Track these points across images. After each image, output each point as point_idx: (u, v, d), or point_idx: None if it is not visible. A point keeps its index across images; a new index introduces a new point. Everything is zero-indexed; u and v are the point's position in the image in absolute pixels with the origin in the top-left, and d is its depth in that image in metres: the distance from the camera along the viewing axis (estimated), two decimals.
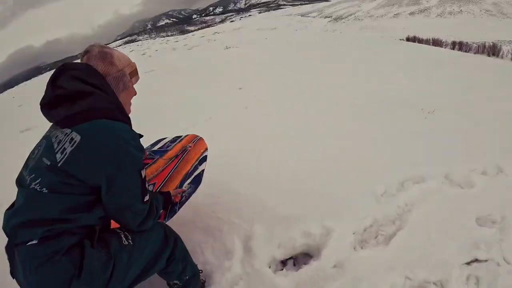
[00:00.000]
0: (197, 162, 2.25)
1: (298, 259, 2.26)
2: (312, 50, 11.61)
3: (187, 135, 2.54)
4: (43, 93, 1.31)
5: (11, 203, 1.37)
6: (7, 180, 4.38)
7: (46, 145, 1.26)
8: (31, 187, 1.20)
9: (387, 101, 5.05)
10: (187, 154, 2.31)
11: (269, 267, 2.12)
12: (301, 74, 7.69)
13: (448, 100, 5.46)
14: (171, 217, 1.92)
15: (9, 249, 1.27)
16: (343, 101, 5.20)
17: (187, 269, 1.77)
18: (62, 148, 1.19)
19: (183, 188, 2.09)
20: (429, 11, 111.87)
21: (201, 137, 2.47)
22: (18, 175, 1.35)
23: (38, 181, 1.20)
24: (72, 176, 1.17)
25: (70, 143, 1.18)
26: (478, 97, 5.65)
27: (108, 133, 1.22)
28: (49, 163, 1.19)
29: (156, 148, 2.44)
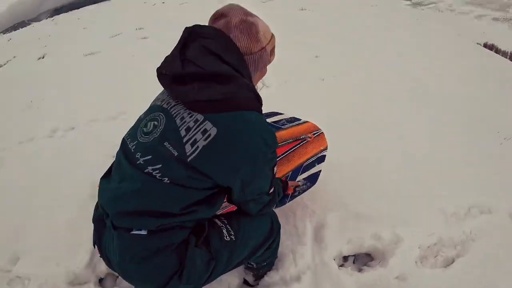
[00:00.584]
0: (315, 158, 2.19)
1: (359, 258, 2.35)
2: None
3: (307, 121, 2.36)
4: (165, 58, 1.16)
5: (107, 169, 1.39)
6: (71, 102, 4.62)
7: (166, 125, 1.09)
8: (146, 171, 1.08)
9: (465, 115, 4.80)
10: (306, 144, 2.17)
11: (334, 259, 2.21)
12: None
13: None
14: (279, 207, 1.92)
15: (100, 222, 1.25)
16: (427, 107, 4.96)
17: (272, 256, 1.77)
18: (193, 139, 1.03)
19: (298, 182, 2.11)
20: None
21: (322, 132, 2.30)
22: (125, 140, 1.25)
23: (158, 167, 1.07)
24: (202, 173, 1.06)
25: (202, 135, 1.02)
26: None
27: (249, 131, 1.07)
28: (176, 154, 1.05)
29: (269, 120, 2.27)
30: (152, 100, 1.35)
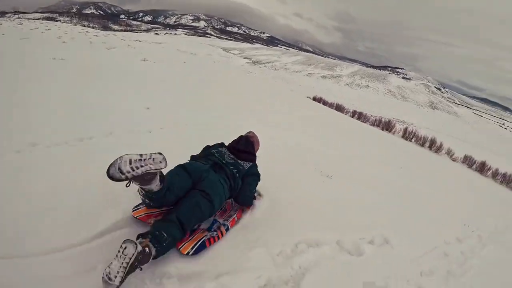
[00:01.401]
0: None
1: None
2: (226, 85, 11.98)
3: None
4: (234, 139, 3.53)
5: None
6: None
7: (232, 160, 3.21)
8: (229, 172, 3.06)
9: (294, 151, 5.35)
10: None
11: None
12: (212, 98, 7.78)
13: (348, 167, 6.02)
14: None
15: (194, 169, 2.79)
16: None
17: None
18: (242, 167, 3.20)
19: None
20: (340, 78, 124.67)
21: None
22: (211, 151, 3.30)
23: (235, 171, 3.09)
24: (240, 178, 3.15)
25: (245, 167, 3.23)
26: (375, 167, 6.38)
27: (255, 167, 3.36)
28: (235, 171, 3.09)
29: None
30: None
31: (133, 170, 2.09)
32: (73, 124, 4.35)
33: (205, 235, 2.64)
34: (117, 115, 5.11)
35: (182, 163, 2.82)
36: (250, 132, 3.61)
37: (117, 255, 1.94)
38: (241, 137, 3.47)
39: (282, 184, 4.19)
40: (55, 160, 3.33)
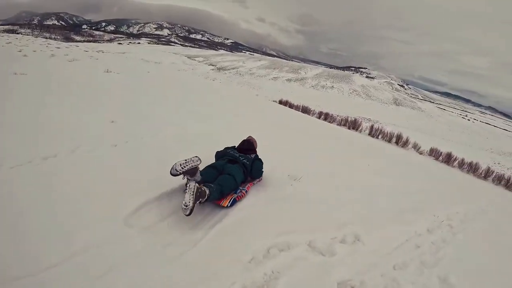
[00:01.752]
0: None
1: None
2: (193, 91, 11.88)
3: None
4: (240, 143, 4.88)
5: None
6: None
7: (242, 155, 4.50)
8: (241, 162, 4.38)
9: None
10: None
11: None
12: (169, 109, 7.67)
13: (316, 167, 6.06)
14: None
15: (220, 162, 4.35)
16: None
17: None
18: (250, 157, 4.53)
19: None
20: (305, 81, 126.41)
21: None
22: (227, 151, 4.64)
23: (245, 161, 4.41)
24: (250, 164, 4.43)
25: (251, 157, 4.56)
26: (342, 166, 6.46)
27: (257, 156, 4.75)
28: (245, 160, 4.42)
29: None
30: None
31: (183, 168, 3.37)
32: (36, 142, 4.20)
33: (234, 196, 3.89)
34: (81, 130, 4.98)
35: (209, 164, 4.26)
36: (249, 136, 5.14)
37: (186, 191, 3.25)
38: (244, 141, 4.94)
39: (251, 190, 4.26)
40: (19, 182, 3.26)
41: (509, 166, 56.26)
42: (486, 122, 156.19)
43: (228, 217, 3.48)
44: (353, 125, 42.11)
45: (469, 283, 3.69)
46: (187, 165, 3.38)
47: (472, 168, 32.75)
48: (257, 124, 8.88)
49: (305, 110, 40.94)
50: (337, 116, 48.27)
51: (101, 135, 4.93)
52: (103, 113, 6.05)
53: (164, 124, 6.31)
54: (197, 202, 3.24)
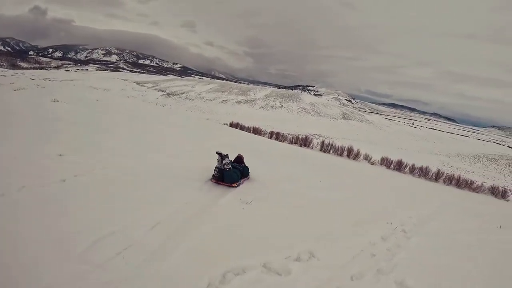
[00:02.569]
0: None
1: None
2: (142, 119, 11.65)
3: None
4: (234, 157, 7.51)
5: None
6: None
7: (236, 164, 7.26)
8: (238, 168, 7.07)
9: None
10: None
11: None
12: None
13: (264, 188, 6.11)
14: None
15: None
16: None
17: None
18: (241, 166, 7.29)
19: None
20: (254, 102, 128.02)
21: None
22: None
23: (239, 167, 7.17)
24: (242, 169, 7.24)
25: (242, 165, 7.37)
26: (295, 183, 6.55)
27: (246, 166, 7.46)
28: (239, 167, 7.18)
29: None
30: None
31: (223, 153, 6.23)
32: None
33: (238, 183, 6.43)
34: (28, 166, 4.84)
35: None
36: (239, 154, 7.54)
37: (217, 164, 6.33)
38: (237, 157, 7.40)
39: (203, 217, 4.28)
40: None
41: (458, 166, 59.81)
42: (432, 127, 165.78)
43: (179, 248, 3.41)
44: (305, 142, 42.89)
45: (426, 283, 3.84)
46: (224, 153, 6.31)
47: (423, 172, 34.32)
48: (206, 149, 8.83)
49: (256, 131, 41.24)
50: (288, 134, 49.07)
51: (48, 170, 4.72)
52: (50, 146, 5.80)
53: (114, 156, 6.12)
54: (223, 161, 6.23)
